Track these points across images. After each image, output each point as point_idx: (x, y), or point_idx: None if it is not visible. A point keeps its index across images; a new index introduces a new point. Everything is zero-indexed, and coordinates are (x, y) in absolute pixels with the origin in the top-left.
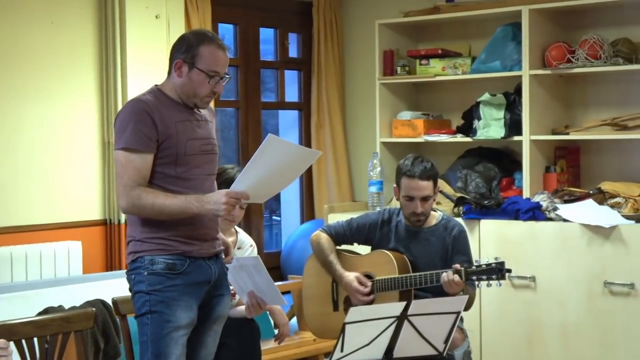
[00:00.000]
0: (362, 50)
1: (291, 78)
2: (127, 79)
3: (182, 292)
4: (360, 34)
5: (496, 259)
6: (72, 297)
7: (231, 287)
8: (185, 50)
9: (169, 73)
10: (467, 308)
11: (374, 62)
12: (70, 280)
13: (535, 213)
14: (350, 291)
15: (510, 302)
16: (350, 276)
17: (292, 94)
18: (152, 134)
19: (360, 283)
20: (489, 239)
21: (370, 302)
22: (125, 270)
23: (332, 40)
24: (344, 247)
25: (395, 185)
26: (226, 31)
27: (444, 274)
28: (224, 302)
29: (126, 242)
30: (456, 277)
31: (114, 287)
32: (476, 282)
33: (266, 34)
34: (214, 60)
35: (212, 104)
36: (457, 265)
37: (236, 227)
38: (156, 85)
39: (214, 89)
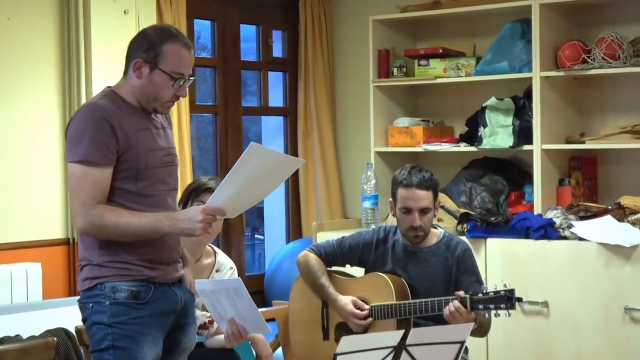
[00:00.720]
0: (354, 50)
1: (275, 80)
2: (92, 81)
3: (148, 325)
4: (352, 31)
5: (505, 285)
6: (31, 325)
7: (208, 314)
8: (146, 49)
9: (126, 73)
10: (483, 334)
11: (368, 63)
12: (28, 306)
13: (547, 231)
14: (346, 315)
15: (520, 329)
16: (346, 299)
17: (276, 98)
18: (112, 144)
19: (357, 307)
20: (495, 260)
21: (367, 328)
22: (78, 297)
23: (320, 38)
24: (334, 268)
25: (390, 199)
26: (203, 28)
27: (446, 308)
28: (190, 333)
29: (80, 266)
30: (456, 303)
31: (78, 314)
32: (482, 312)
33: (247, 31)
34: (179, 61)
35: (183, 110)
36: (461, 293)
37: (214, 248)
38: (109, 87)
39: (177, 92)
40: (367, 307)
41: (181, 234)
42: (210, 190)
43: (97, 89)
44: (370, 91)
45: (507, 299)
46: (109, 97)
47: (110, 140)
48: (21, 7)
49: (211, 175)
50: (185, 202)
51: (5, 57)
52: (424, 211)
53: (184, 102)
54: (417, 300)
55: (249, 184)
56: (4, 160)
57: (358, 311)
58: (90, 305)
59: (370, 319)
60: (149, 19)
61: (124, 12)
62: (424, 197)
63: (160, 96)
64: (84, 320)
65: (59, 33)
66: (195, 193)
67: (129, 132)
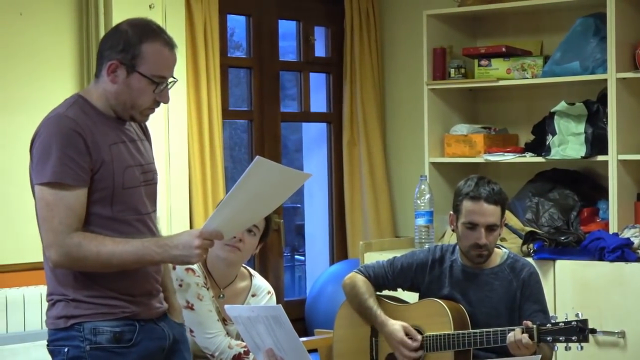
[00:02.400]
0: (407, 49)
1: (317, 83)
2: None
3: None
4: (403, 27)
5: (577, 315)
6: (46, 355)
7: (243, 344)
8: (122, 49)
9: (97, 76)
10: None
11: (422, 63)
12: (43, 334)
13: (624, 252)
14: (394, 343)
15: None
16: (396, 325)
17: (318, 102)
18: (84, 162)
19: (408, 335)
20: (565, 284)
21: None
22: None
23: (368, 35)
24: (385, 292)
25: (451, 212)
26: (237, 24)
27: (511, 334)
28: None
29: (50, 301)
30: (525, 338)
31: None
32: (551, 344)
33: (286, 28)
34: (161, 63)
35: (215, 117)
36: (529, 323)
37: (250, 270)
38: (78, 93)
39: (158, 98)
40: (419, 337)
41: (174, 262)
42: None
43: None
44: (424, 95)
45: (580, 331)
46: (78, 105)
47: (82, 158)
48: (35, 1)
49: None
50: None
51: (17, 57)
52: (490, 228)
53: (216, 107)
54: (478, 330)
55: (251, 201)
56: (16, 175)
57: (409, 341)
58: (66, 349)
59: (421, 352)
60: (177, 15)
61: (150, 6)
62: (492, 212)
63: (139, 103)
64: None
65: (77, 30)
66: None
67: (103, 147)
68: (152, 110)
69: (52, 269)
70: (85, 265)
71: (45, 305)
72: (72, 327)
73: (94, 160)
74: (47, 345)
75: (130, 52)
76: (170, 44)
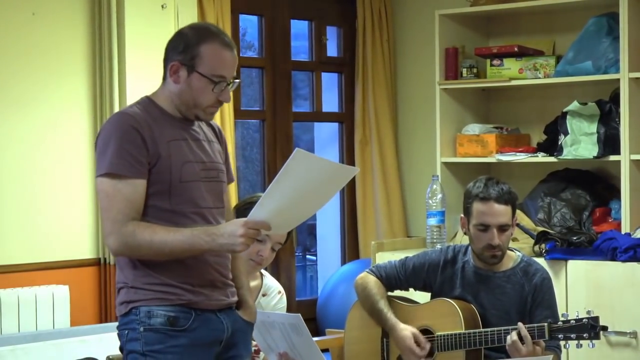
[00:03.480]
0: (419, 48)
1: (330, 82)
2: (125, 84)
3: (186, 354)
4: (416, 27)
5: (588, 312)
6: (58, 355)
7: (254, 343)
8: (182, 50)
9: (164, 78)
10: None
11: (434, 63)
12: (55, 334)
13: (636, 252)
14: (404, 349)
15: None
16: (406, 330)
17: (330, 102)
18: (141, 155)
19: (417, 342)
20: (578, 284)
21: None
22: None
23: (380, 35)
24: (396, 293)
25: (462, 214)
26: (249, 24)
27: (510, 334)
28: None
29: (116, 289)
30: (514, 335)
31: (108, 342)
32: (563, 342)
33: (298, 28)
34: (219, 62)
35: (227, 116)
36: (522, 326)
37: (261, 270)
38: (147, 95)
39: (219, 97)
40: (427, 345)
41: (220, 250)
42: None
43: (131, 92)
44: (436, 95)
45: (591, 328)
46: (143, 105)
47: (139, 151)
48: (48, 1)
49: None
50: None
51: (30, 57)
52: (502, 228)
53: (228, 107)
54: (489, 329)
55: (296, 195)
56: (29, 172)
57: (417, 349)
58: (126, 332)
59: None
60: (189, 14)
61: (162, 6)
62: (503, 212)
63: (200, 101)
64: (120, 350)
65: (90, 30)
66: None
67: (160, 142)
68: (215, 108)
69: (119, 259)
70: (141, 253)
71: (57, 304)
72: (130, 312)
73: (150, 154)
74: (117, 330)
75: (190, 53)
76: (229, 45)
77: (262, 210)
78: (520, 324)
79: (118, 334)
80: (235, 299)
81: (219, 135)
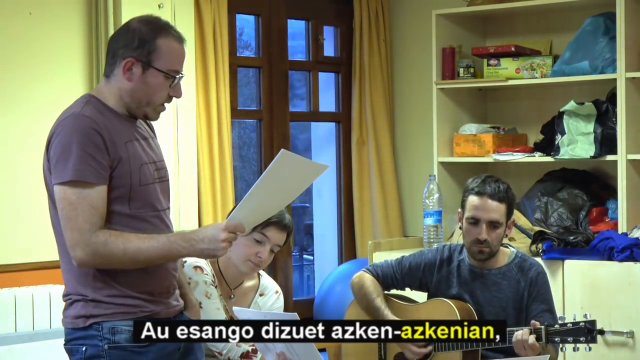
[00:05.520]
0: (416, 48)
1: (326, 82)
2: None
3: None
4: (413, 27)
5: (585, 316)
6: (55, 355)
7: (252, 343)
8: (138, 46)
9: (108, 75)
10: None
11: (431, 63)
12: (52, 334)
13: (633, 252)
14: (403, 346)
15: None
16: None
17: (327, 102)
18: (104, 159)
19: None
20: (574, 284)
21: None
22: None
23: (377, 35)
24: (393, 292)
25: (460, 209)
26: (246, 23)
27: (517, 332)
28: None
29: (68, 301)
30: (531, 339)
31: None
32: (559, 345)
33: (295, 27)
34: (175, 57)
35: (224, 116)
36: (537, 323)
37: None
38: (90, 93)
39: (172, 93)
40: (428, 347)
41: (200, 255)
42: (277, 223)
43: None
44: (433, 94)
45: (588, 332)
46: (92, 104)
47: (101, 155)
48: (45, 0)
49: None
50: None
51: (26, 57)
52: (493, 225)
53: (225, 107)
54: None
55: (272, 193)
56: (25, 171)
57: (415, 346)
58: (84, 348)
59: (430, 347)
60: (186, 14)
61: (159, 6)
62: (495, 208)
63: (154, 99)
64: None
65: (87, 29)
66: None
67: (119, 144)
68: (164, 107)
69: (70, 268)
70: (112, 262)
71: (54, 304)
72: (91, 327)
73: (112, 158)
74: (65, 344)
75: (146, 48)
76: (181, 39)
77: (242, 211)
78: (533, 323)
79: (69, 349)
80: (182, 302)
81: (153, 129)
